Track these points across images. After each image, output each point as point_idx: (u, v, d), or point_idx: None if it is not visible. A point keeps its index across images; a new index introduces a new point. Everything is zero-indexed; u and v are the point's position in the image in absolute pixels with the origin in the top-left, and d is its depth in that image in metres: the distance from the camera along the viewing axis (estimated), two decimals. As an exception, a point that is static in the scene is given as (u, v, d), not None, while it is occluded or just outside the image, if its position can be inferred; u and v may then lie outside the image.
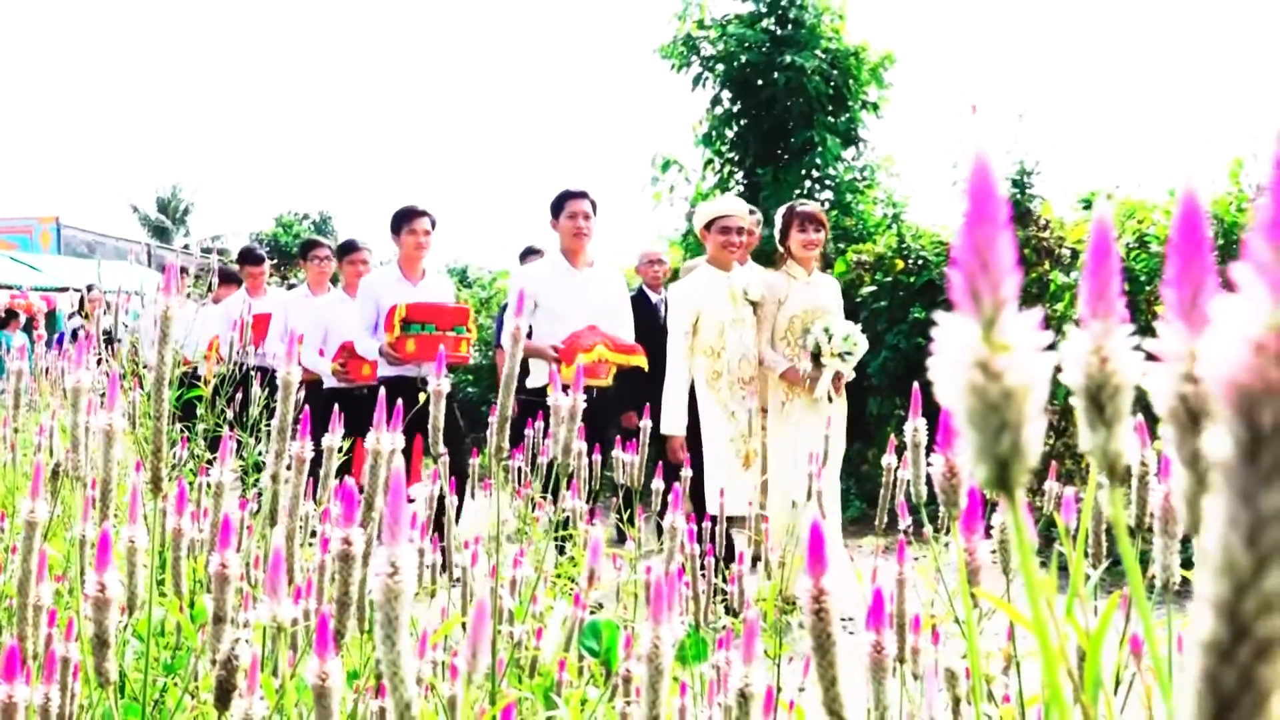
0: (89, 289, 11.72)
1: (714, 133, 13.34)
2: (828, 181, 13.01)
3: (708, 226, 6.07)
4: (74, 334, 10.34)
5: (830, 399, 5.92)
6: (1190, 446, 0.45)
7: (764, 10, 13.15)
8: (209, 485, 1.95)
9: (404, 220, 6.67)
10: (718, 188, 13.22)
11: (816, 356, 5.87)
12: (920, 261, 10.11)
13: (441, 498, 2.88)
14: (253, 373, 7.44)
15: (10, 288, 18.19)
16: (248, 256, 9.65)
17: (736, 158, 13.29)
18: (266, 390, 7.44)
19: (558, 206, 6.26)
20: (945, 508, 1.06)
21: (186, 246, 45.05)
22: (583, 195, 6.28)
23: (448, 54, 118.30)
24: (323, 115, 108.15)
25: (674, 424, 5.94)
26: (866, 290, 10.19)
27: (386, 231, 6.81)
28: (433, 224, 6.72)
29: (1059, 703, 0.45)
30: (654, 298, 8.19)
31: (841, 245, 11.46)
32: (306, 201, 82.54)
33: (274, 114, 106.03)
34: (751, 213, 6.47)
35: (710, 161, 13.40)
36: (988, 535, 1.33)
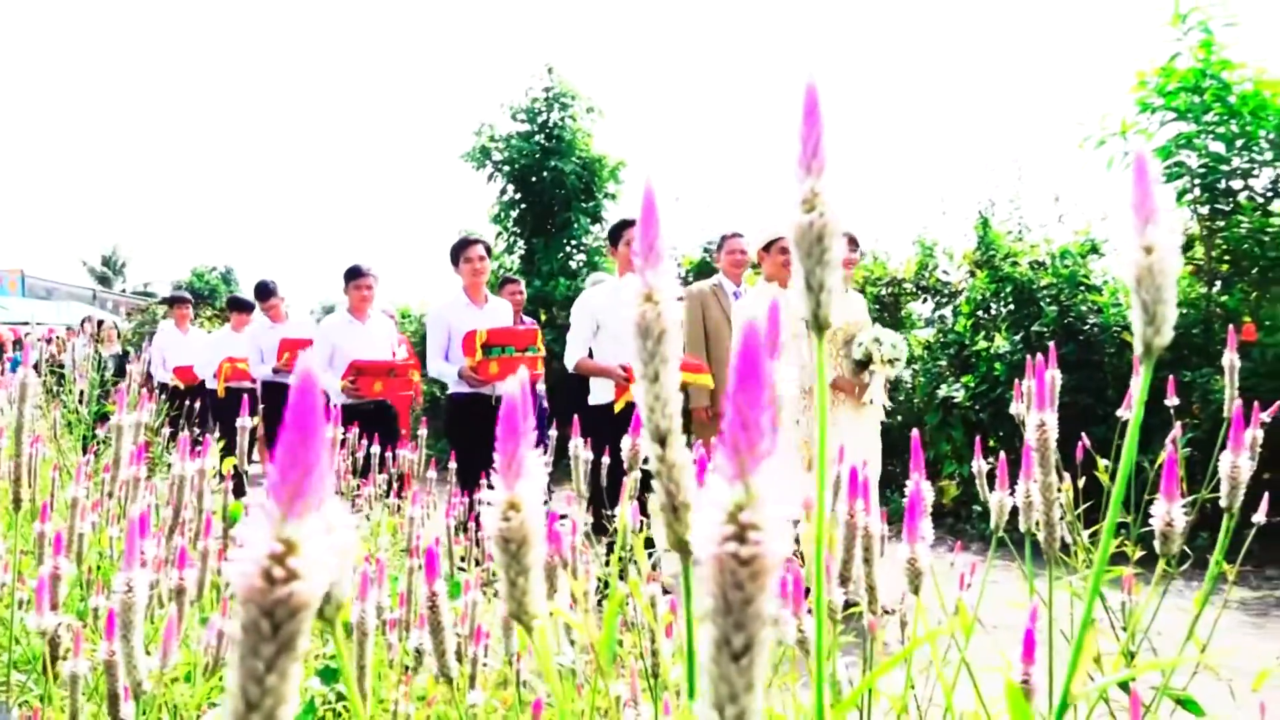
0: (99, 323, 10.09)
1: (502, 214, 13.43)
2: (581, 249, 13.23)
3: (766, 248, 4.92)
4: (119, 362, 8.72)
5: (872, 402, 4.81)
6: (511, 563, 0.46)
7: (536, 130, 13.35)
8: (70, 499, 1.82)
9: (460, 250, 5.30)
10: (505, 252, 13.32)
11: (864, 364, 4.78)
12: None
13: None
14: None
15: (-15, 322, 17.49)
16: (262, 291, 7.43)
17: (518, 231, 13.41)
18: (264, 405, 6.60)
19: (616, 235, 5.03)
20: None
21: (124, 291, 42.33)
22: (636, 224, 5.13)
23: (316, 142, 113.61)
24: (229, 187, 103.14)
25: None
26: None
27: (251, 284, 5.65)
28: (487, 250, 5.37)
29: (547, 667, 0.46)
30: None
31: (590, 292, 11.59)
32: (215, 257, 79.01)
33: (191, 187, 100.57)
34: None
35: (500, 234, 13.43)
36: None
